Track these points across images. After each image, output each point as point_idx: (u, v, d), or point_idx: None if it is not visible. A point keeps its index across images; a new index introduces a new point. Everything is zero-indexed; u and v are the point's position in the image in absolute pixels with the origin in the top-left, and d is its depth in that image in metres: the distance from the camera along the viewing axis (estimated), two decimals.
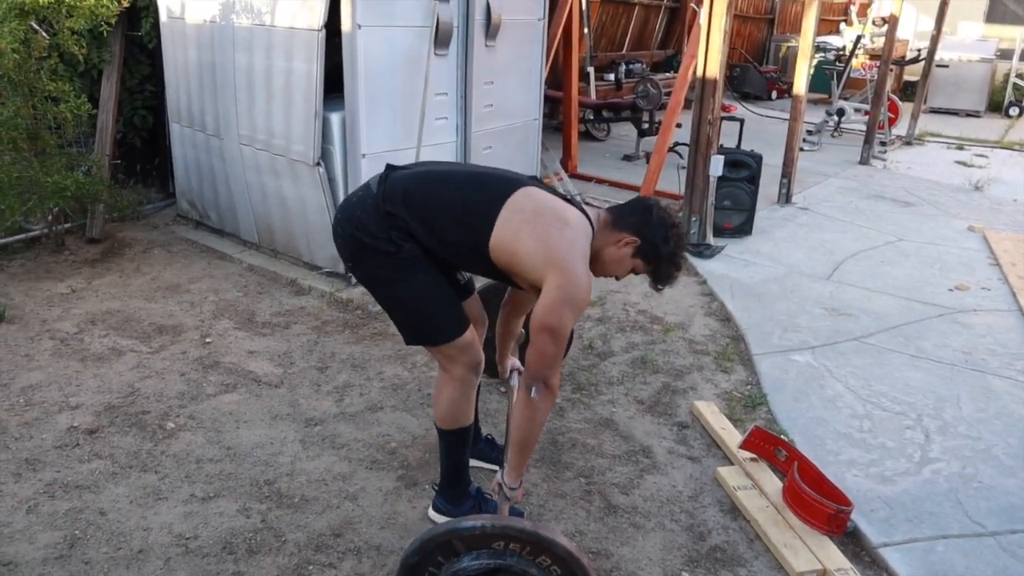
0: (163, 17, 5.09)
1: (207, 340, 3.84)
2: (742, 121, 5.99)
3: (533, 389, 2.19)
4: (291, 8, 4.17)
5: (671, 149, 6.03)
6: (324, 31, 4.06)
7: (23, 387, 3.34)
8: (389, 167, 2.45)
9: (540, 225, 2.22)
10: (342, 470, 2.92)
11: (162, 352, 3.70)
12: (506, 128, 5.25)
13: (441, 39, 4.50)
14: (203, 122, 5.02)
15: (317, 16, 4.04)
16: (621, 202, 2.50)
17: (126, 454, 2.94)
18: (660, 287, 2.46)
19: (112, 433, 3.06)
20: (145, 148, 5.88)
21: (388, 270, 2.34)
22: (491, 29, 4.81)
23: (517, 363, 2.92)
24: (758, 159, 5.52)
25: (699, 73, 4.98)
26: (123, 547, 2.48)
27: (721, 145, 5.71)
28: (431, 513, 2.68)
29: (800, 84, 6.16)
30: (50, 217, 4.77)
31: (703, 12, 4.91)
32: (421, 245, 2.32)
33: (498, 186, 2.31)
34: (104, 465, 2.87)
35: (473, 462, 2.88)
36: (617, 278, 2.48)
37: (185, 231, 5.37)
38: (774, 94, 12.45)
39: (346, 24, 4.07)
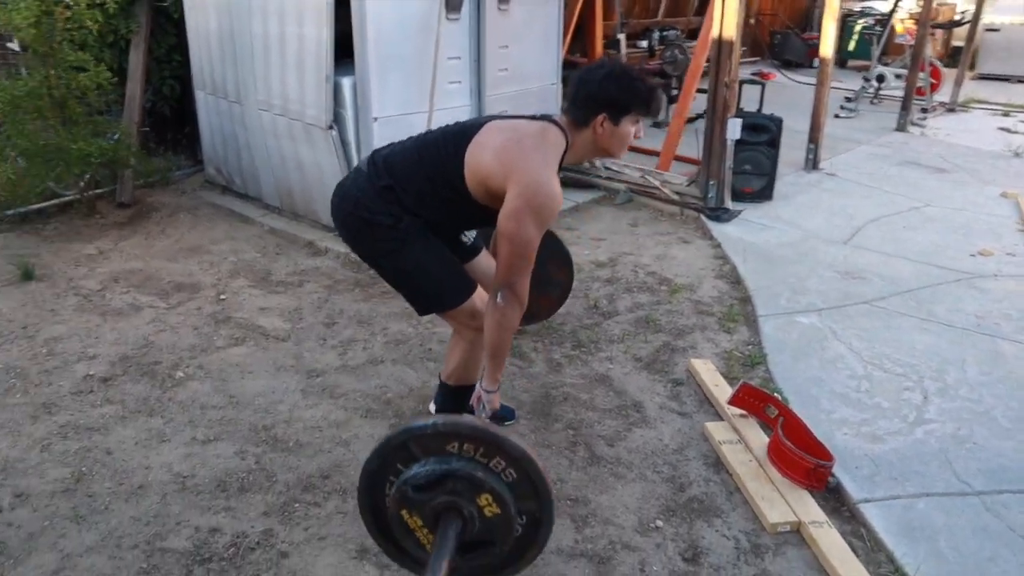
0: None
1: (222, 297, 3.98)
2: (763, 84, 5.91)
3: (499, 295, 2.26)
4: None
5: (690, 120, 5.98)
6: None
7: (46, 339, 3.52)
8: (374, 151, 2.55)
9: (499, 144, 2.28)
10: (337, 418, 3.03)
11: (178, 308, 3.86)
12: (522, 92, 5.27)
13: (452, 3, 4.54)
14: (225, 89, 5.15)
15: None
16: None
17: (136, 400, 3.10)
18: (657, 118, 2.45)
19: (124, 381, 3.22)
20: (175, 116, 6.06)
21: (388, 243, 2.43)
22: None
23: None
24: (778, 123, 5.45)
25: (714, 35, 4.92)
26: (124, 483, 2.63)
27: (741, 109, 5.66)
28: None
29: (827, 47, 6.04)
30: (82, 183, 4.97)
31: None
32: (415, 215, 2.40)
33: (464, 131, 2.38)
34: (114, 410, 3.03)
35: None
36: (623, 151, 2.45)
37: (211, 196, 5.53)
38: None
39: None
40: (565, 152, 2.34)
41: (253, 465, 2.74)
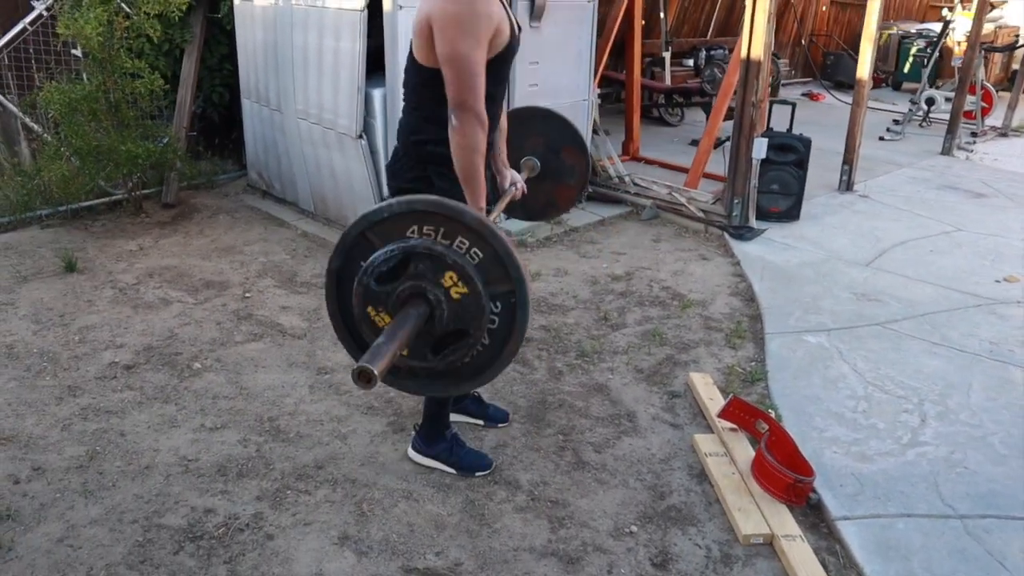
0: (236, 0, 5.49)
1: (247, 295, 4.18)
2: (794, 105, 5.90)
3: (453, 118, 2.23)
4: None
5: (717, 145, 5.99)
6: (366, 11, 4.33)
7: (80, 327, 3.76)
8: None
9: (417, 11, 2.29)
10: (339, 413, 3.17)
11: (205, 304, 4.07)
12: (552, 107, 5.36)
13: None
14: (267, 97, 5.40)
15: None
16: None
17: (154, 388, 3.30)
18: None
19: (146, 370, 3.43)
20: (223, 122, 6.35)
21: None
22: (535, 11, 4.96)
23: (516, 174, 2.89)
24: (806, 143, 5.44)
25: (743, 55, 4.97)
26: (133, 463, 2.81)
27: (771, 128, 5.67)
28: (410, 452, 2.89)
29: (863, 70, 5.99)
30: (130, 183, 5.25)
31: None
32: (439, 156, 2.40)
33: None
34: (133, 395, 3.23)
35: (458, 417, 3.08)
36: None
37: (252, 200, 5.78)
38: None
39: (387, 4, 4.32)
40: None
41: (253, 453, 2.90)
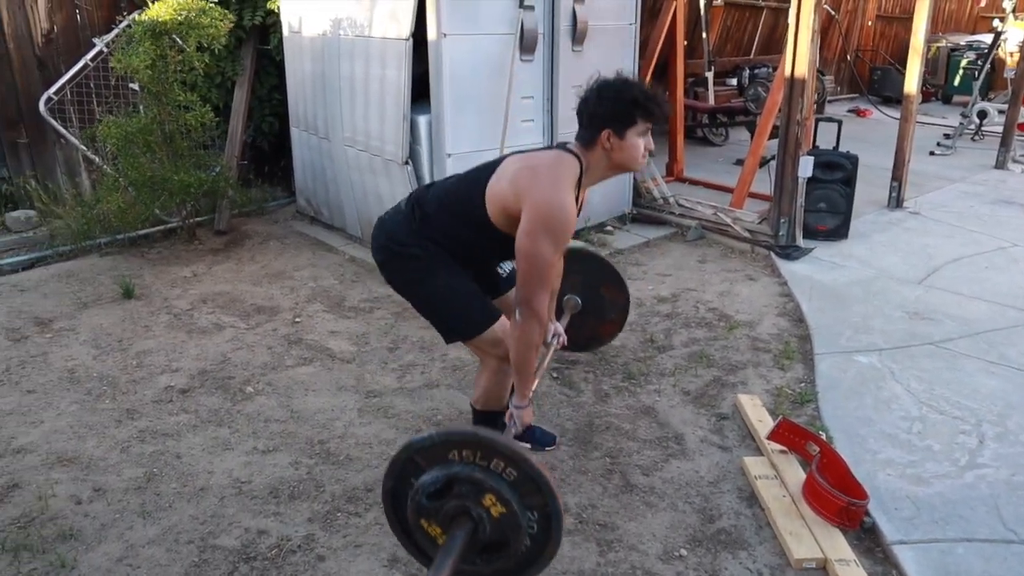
0: (285, 32, 5.66)
1: (297, 320, 4.27)
2: (840, 122, 5.83)
3: (518, 313, 2.37)
4: (384, 20, 4.56)
5: (763, 164, 5.94)
6: (411, 40, 4.42)
7: (137, 352, 3.88)
8: (413, 192, 2.76)
9: (514, 171, 2.40)
10: (388, 436, 3.21)
11: (256, 329, 4.16)
12: None
13: (526, 45, 4.75)
14: (315, 126, 5.53)
15: (405, 27, 4.40)
16: None
17: (208, 411, 3.38)
18: (658, 121, 2.43)
19: (201, 393, 3.52)
20: (273, 151, 6.51)
21: (415, 273, 2.61)
22: (577, 35, 5.01)
23: (558, 325, 3.00)
24: (853, 160, 5.38)
25: (787, 73, 4.94)
26: (189, 485, 2.88)
27: (817, 147, 5.62)
28: None
29: (911, 84, 5.91)
30: (184, 211, 5.41)
31: (791, 11, 4.87)
32: (446, 249, 2.57)
33: (485, 168, 2.53)
34: (188, 419, 3.31)
35: None
36: (638, 163, 2.45)
37: (301, 226, 5.90)
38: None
39: (432, 33, 4.41)
40: (582, 175, 2.42)
41: (305, 475, 2.95)
